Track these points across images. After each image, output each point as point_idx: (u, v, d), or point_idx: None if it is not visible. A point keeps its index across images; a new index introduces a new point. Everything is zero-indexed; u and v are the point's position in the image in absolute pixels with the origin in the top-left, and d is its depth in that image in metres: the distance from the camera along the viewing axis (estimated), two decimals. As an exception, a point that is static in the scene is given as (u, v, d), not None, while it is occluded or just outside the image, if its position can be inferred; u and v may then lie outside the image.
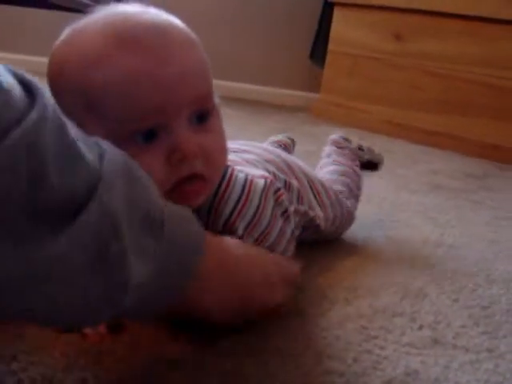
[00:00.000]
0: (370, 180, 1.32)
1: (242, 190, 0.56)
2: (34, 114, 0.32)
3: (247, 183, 0.56)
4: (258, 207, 0.56)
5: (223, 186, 0.56)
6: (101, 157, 0.38)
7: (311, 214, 0.71)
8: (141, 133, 0.47)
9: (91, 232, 0.35)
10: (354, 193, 0.90)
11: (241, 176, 0.57)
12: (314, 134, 1.92)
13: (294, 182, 0.68)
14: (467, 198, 1.29)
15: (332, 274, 0.75)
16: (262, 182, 0.58)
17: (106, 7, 0.49)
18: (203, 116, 0.50)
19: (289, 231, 0.61)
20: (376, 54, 2.23)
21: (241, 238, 0.55)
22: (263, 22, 2.65)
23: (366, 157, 1.00)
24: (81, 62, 0.46)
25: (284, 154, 0.76)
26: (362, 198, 1.15)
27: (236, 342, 0.55)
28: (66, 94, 0.46)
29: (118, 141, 0.44)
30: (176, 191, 0.49)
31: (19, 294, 0.34)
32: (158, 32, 0.47)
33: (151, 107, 0.46)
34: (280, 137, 1.04)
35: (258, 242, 0.57)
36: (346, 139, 1.00)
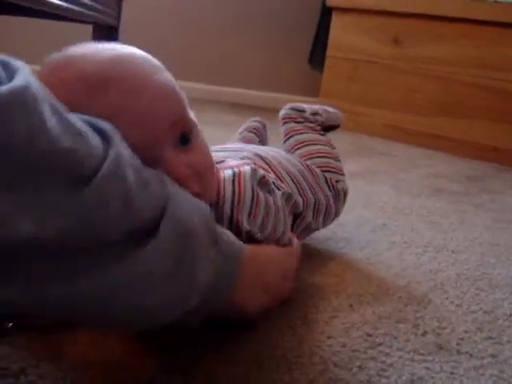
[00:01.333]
0: (372, 184, 1.33)
1: (233, 185, 0.57)
2: (112, 153, 0.39)
3: (236, 177, 0.58)
4: (252, 196, 0.58)
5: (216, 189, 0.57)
6: (162, 181, 0.44)
7: (294, 197, 0.72)
8: None
9: (169, 241, 0.42)
10: (338, 168, 0.87)
11: (228, 173, 0.58)
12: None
13: (271, 175, 0.69)
14: (468, 202, 1.29)
15: (336, 281, 0.76)
16: (248, 169, 0.59)
17: (58, 53, 0.48)
18: (186, 137, 0.50)
19: (279, 202, 0.63)
20: (374, 58, 2.24)
21: (249, 231, 0.56)
22: (262, 28, 2.66)
23: (325, 120, 0.92)
24: None
25: (257, 148, 0.76)
26: (365, 202, 1.16)
27: (243, 350, 0.56)
28: None
29: None
30: None
31: (113, 303, 0.40)
32: (120, 67, 0.46)
33: (132, 143, 0.44)
34: (248, 123, 1.01)
35: (263, 226, 0.59)
36: (298, 109, 0.91)
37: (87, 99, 0.44)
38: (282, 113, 0.92)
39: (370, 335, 0.62)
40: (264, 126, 1.01)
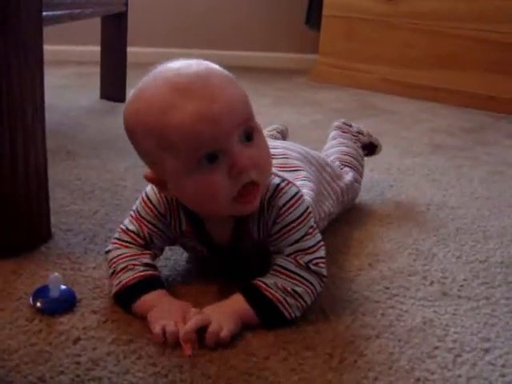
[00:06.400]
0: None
1: (293, 197, 0.70)
2: None
3: (298, 195, 0.70)
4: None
5: (281, 186, 0.69)
6: None
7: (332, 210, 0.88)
8: (205, 158, 0.61)
9: None
10: (359, 170, 1.05)
11: (293, 189, 0.70)
12: (318, 102, 2.04)
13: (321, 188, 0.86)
14: (465, 156, 1.43)
15: (355, 243, 0.91)
16: (308, 201, 0.73)
17: (158, 67, 0.64)
18: (249, 134, 0.64)
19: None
20: (369, 15, 2.33)
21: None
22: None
23: (366, 139, 1.13)
24: (151, 113, 0.61)
25: (304, 151, 0.90)
26: (373, 165, 1.30)
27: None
28: (143, 139, 0.63)
29: (189, 166, 0.61)
30: (237, 201, 0.64)
31: None
32: (202, 80, 0.61)
33: (209, 137, 0.60)
34: (274, 126, 1.19)
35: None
36: (348, 124, 1.13)
37: (176, 101, 0.60)
38: (335, 123, 1.14)
39: (387, 288, 0.77)
40: (287, 130, 1.22)
